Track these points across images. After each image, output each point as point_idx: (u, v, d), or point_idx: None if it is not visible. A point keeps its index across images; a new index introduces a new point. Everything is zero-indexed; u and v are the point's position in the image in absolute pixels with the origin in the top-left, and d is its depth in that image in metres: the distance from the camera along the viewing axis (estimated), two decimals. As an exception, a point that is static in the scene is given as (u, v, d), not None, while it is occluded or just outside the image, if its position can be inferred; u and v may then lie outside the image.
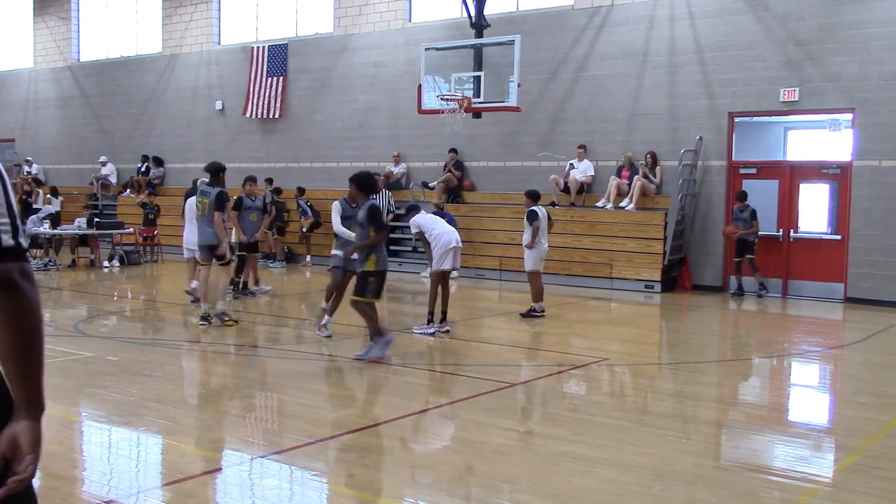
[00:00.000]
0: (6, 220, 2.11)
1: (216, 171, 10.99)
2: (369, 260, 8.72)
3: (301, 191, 19.45)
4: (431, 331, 10.32)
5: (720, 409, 7.44)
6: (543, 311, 11.93)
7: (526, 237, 11.80)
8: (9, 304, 2.08)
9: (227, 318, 10.80)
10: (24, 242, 2.16)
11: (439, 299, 10.44)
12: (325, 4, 20.72)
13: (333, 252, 10.30)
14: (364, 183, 9.02)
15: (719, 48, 15.40)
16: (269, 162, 21.42)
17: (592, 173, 16.62)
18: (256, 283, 13.97)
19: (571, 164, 16.65)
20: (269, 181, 19.58)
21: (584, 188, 16.55)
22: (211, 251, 11.02)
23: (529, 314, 11.81)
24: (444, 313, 10.46)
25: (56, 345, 9.48)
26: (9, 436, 2.09)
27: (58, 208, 21.06)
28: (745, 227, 14.75)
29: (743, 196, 14.85)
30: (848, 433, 6.65)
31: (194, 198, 11.73)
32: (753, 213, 14.73)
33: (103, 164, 24.26)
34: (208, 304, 11.08)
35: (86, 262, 18.44)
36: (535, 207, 11.80)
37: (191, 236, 12.16)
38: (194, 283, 11.48)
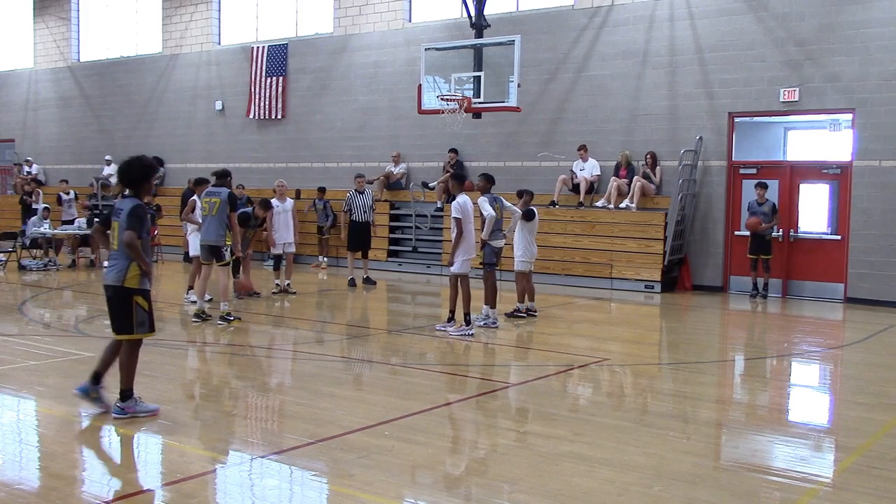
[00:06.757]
0: None
1: (223, 175, 11.46)
2: (132, 273, 6.33)
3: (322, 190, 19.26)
4: (471, 331, 10.32)
5: (720, 409, 7.43)
6: (527, 312, 11.97)
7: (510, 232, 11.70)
8: None
9: (231, 318, 10.86)
10: None
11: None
12: (325, 4, 20.72)
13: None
14: (137, 173, 6.49)
15: (719, 48, 15.40)
16: (269, 162, 21.43)
17: (598, 172, 16.58)
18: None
19: (579, 170, 16.53)
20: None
21: (593, 187, 16.51)
22: (212, 251, 11.09)
23: (514, 314, 11.86)
24: (452, 311, 10.58)
25: (56, 345, 9.50)
26: None
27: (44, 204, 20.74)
28: (766, 221, 14.55)
29: (763, 185, 14.62)
30: (848, 433, 6.65)
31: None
32: (774, 207, 14.56)
33: (108, 162, 24.26)
34: (205, 302, 11.23)
35: (86, 262, 18.42)
36: (530, 207, 11.88)
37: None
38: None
